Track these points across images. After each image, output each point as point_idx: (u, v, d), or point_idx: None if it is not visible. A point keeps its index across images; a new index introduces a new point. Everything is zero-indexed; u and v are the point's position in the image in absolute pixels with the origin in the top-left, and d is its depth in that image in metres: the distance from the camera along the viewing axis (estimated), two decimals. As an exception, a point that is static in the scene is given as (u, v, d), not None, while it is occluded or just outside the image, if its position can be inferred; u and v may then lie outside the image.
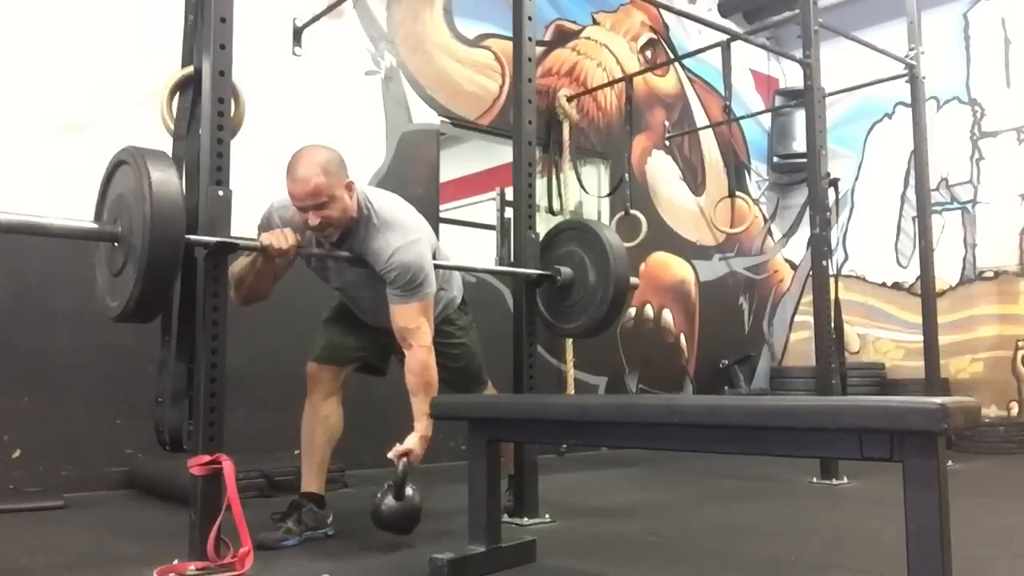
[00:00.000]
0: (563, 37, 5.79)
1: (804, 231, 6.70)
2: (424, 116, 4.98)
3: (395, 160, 4.81)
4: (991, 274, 6.02)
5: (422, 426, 2.49)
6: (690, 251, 6.50)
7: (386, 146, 4.80)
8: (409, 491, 2.46)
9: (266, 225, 2.57)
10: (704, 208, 6.57)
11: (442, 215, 5.28)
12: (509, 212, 5.08)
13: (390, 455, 2.45)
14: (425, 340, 2.53)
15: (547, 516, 2.94)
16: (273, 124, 3.69)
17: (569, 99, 5.60)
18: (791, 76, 7.12)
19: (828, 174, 4.32)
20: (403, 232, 2.54)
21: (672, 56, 6.43)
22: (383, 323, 2.61)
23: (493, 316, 4.30)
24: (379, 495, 2.46)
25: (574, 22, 5.88)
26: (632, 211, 5.37)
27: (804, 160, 4.55)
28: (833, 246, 4.63)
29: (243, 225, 2.42)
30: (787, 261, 7.32)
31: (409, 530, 2.50)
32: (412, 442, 2.46)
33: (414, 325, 2.51)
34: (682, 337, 6.37)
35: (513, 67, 3.21)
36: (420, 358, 2.51)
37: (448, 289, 2.84)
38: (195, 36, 2.50)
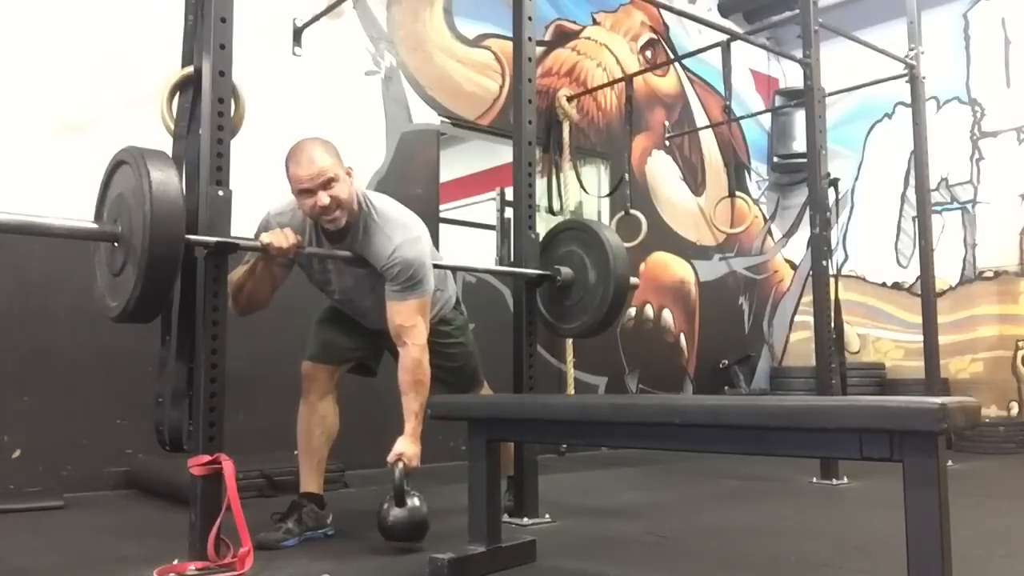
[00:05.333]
0: (563, 37, 5.79)
1: (804, 231, 6.70)
2: (424, 116, 4.98)
3: (395, 160, 4.81)
4: (991, 274, 6.02)
5: (411, 426, 2.48)
6: (690, 251, 6.50)
7: (386, 146, 4.80)
8: (416, 501, 2.43)
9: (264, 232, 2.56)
10: (704, 208, 6.57)
11: (442, 215, 5.28)
12: (509, 212, 5.08)
13: (388, 460, 2.45)
14: (420, 339, 2.52)
15: (547, 516, 2.94)
16: (273, 124, 3.68)
17: (569, 99, 5.59)
18: (791, 76, 7.11)
19: (828, 174, 4.32)
20: (404, 229, 2.54)
21: (672, 56, 6.43)
22: (383, 325, 2.61)
23: (493, 316, 4.30)
24: (384, 506, 2.44)
25: (574, 22, 5.88)
26: (632, 211, 5.37)
27: (804, 160, 4.55)
28: (833, 246, 4.63)
29: (243, 225, 2.42)
30: (787, 261, 7.32)
31: (420, 538, 2.46)
32: (403, 445, 2.45)
33: (411, 323, 2.51)
34: (682, 337, 6.37)
35: (513, 67, 3.21)
36: (414, 356, 2.51)
37: (444, 289, 2.85)
38: (195, 36, 2.51)
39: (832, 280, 4.31)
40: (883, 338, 6.55)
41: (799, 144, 6.23)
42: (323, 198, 2.41)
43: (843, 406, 1.56)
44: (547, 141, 5.47)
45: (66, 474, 3.59)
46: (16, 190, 3.46)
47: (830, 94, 4.47)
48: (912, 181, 5.54)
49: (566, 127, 5.57)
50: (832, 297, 4.30)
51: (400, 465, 2.42)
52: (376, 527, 2.47)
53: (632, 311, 5.97)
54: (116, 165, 2.22)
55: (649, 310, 6.15)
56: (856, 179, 6.80)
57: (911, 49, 4.88)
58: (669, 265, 6.34)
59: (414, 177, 4.86)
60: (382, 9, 4.85)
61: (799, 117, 5.78)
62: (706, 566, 2.43)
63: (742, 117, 6.54)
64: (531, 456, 2.96)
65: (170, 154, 2.33)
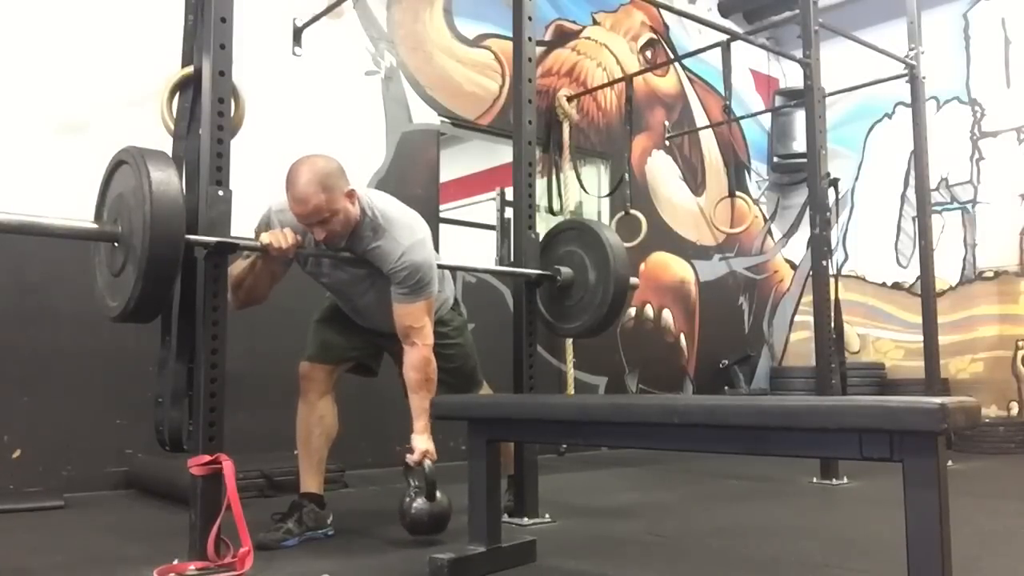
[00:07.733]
0: (563, 37, 5.79)
1: (804, 231, 6.70)
2: (424, 116, 4.98)
3: (395, 160, 4.81)
4: (991, 274, 6.02)
5: (423, 423, 2.50)
6: (690, 251, 6.50)
7: (386, 146, 4.80)
8: (438, 493, 2.49)
9: (264, 228, 2.56)
10: (704, 208, 6.57)
11: (442, 215, 5.28)
12: (509, 212, 5.07)
13: (411, 461, 2.47)
14: (429, 338, 2.54)
15: (547, 516, 2.94)
16: (273, 124, 3.69)
17: (569, 99, 5.60)
18: (791, 76, 7.11)
19: (828, 174, 4.32)
20: (410, 231, 2.55)
21: (672, 56, 6.43)
22: (378, 324, 2.61)
23: (493, 316, 4.31)
24: (406, 501, 2.49)
25: (574, 22, 5.88)
26: (632, 211, 5.37)
27: (804, 160, 4.55)
28: (833, 246, 4.63)
29: (243, 225, 2.42)
30: (787, 261, 7.32)
31: (443, 529, 2.52)
32: (423, 442, 2.49)
33: (419, 324, 2.52)
34: (682, 337, 6.37)
35: (513, 67, 3.21)
36: (423, 355, 2.52)
37: (443, 290, 2.84)
38: (195, 36, 2.50)
39: (832, 280, 4.31)
40: (883, 338, 6.55)
41: (799, 144, 6.23)
42: (319, 233, 2.43)
43: (843, 406, 1.56)
44: (547, 141, 5.48)
45: (66, 474, 3.59)
46: (16, 190, 3.46)
47: (830, 94, 4.47)
48: (912, 181, 5.54)
49: (566, 127, 5.57)
50: (832, 297, 4.30)
51: (427, 462, 2.46)
52: (403, 525, 2.50)
53: (632, 311, 5.97)
54: (116, 165, 2.22)
55: (649, 310, 6.15)
56: (856, 179, 6.80)
57: (911, 49, 4.88)
58: (669, 265, 6.34)
59: (414, 177, 4.86)
60: (382, 9, 4.85)
61: (799, 117, 5.79)
62: (706, 566, 2.43)
63: (742, 117, 6.54)
64: (531, 456, 2.96)
65: (170, 154, 2.33)
